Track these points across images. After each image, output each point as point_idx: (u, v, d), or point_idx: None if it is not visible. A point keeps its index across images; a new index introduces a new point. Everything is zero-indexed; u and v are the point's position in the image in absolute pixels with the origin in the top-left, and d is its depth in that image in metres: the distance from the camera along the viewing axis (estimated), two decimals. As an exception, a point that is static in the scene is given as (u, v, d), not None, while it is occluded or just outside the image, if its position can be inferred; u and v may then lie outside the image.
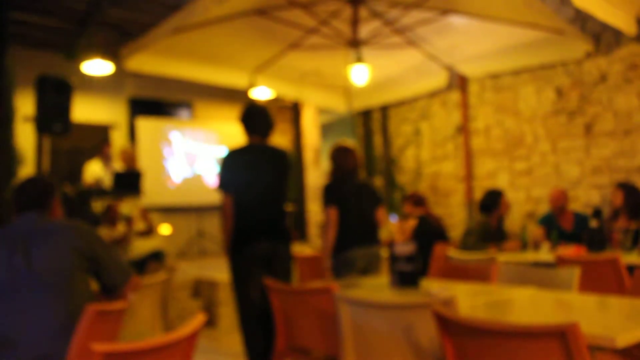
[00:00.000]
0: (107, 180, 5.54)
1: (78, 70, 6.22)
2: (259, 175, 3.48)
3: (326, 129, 9.33)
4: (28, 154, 6.24)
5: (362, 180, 3.95)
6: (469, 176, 7.10)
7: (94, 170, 5.81)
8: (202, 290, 5.72)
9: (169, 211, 7.76)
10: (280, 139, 8.65)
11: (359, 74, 5.09)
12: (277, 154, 3.60)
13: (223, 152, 3.59)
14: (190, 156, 8.38)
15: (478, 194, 5.79)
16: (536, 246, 4.56)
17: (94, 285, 2.32)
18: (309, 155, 8.80)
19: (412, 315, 2.04)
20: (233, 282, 3.42)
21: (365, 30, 4.91)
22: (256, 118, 3.58)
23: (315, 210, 8.52)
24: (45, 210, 2.29)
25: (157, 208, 7.18)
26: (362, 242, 3.69)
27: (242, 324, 3.38)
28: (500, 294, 2.55)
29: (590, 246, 4.03)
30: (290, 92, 6.27)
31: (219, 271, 5.29)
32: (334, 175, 3.81)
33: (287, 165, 3.62)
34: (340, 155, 3.82)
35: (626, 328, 1.74)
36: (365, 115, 8.73)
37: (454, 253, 4.19)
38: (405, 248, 2.73)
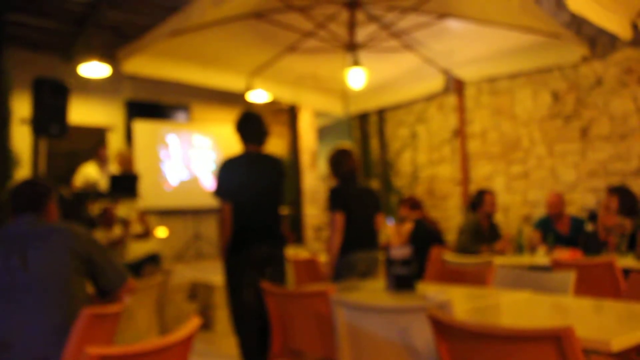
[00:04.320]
0: (104, 183, 5.53)
1: (75, 73, 6.22)
2: (255, 182, 3.54)
3: (323, 132, 9.33)
4: (24, 156, 6.23)
5: (364, 184, 3.98)
6: (465, 180, 7.11)
7: (88, 173, 5.80)
8: (198, 293, 5.71)
9: (166, 214, 7.75)
10: (277, 142, 8.66)
11: (356, 78, 5.10)
12: (273, 162, 3.67)
13: (219, 159, 3.62)
14: (187, 159, 8.37)
15: (474, 198, 5.82)
16: (532, 250, 4.57)
17: (90, 288, 2.32)
18: (305, 158, 8.80)
19: (407, 318, 2.04)
20: (227, 285, 3.43)
21: (362, 33, 4.92)
22: (252, 126, 3.64)
23: (311, 214, 8.52)
24: (41, 212, 2.28)
25: (154, 211, 7.16)
26: (364, 246, 3.69)
27: (237, 327, 3.38)
28: (496, 298, 2.55)
29: (586, 250, 4.04)
30: (287, 95, 6.26)
31: (216, 274, 5.28)
32: (338, 179, 3.80)
33: (282, 173, 3.70)
34: (340, 159, 3.82)
35: (621, 332, 1.74)
36: (362, 118, 8.75)
37: (450, 257, 4.19)
38: (401, 251, 2.74)
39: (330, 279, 3.61)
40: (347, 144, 4.02)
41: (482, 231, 4.83)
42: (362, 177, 4.10)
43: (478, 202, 4.94)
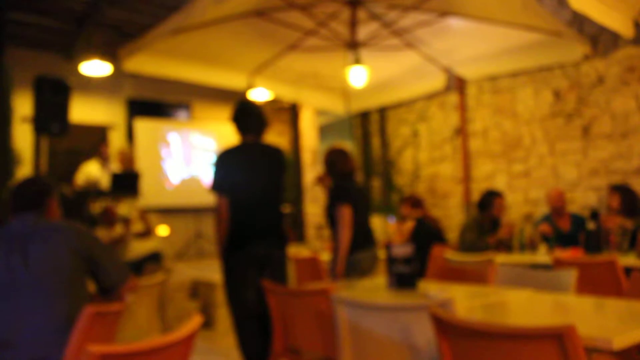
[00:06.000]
0: (105, 181, 5.53)
1: (76, 71, 6.22)
2: (254, 175, 3.43)
3: (324, 131, 9.34)
4: (26, 154, 6.23)
5: (359, 183, 3.98)
6: (466, 178, 7.11)
7: (90, 171, 5.80)
8: (199, 291, 5.71)
9: (167, 212, 7.74)
10: (278, 140, 8.65)
11: (357, 76, 5.10)
12: (272, 152, 3.54)
13: (216, 152, 3.53)
14: (188, 157, 8.37)
15: (476, 196, 5.80)
16: (534, 248, 4.57)
17: (91, 286, 2.32)
18: (306, 156, 8.80)
19: (409, 316, 2.04)
20: (226, 284, 3.37)
21: (364, 32, 4.92)
22: (249, 116, 3.50)
23: (312, 212, 8.52)
24: (42, 211, 2.28)
25: (155, 209, 7.16)
26: (365, 244, 3.67)
27: (237, 326, 3.35)
28: (497, 296, 2.55)
29: (588, 248, 4.03)
30: (288, 94, 6.27)
31: (217, 272, 5.27)
32: (335, 178, 3.78)
33: (283, 163, 3.57)
34: (340, 158, 3.80)
35: (623, 330, 1.74)
36: (363, 117, 8.74)
37: (451, 255, 4.19)
38: (403, 250, 2.74)
39: (338, 277, 3.53)
40: (342, 143, 4.00)
41: (485, 228, 4.82)
42: (359, 177, 4.10)
43: (487, 204, 4.88)
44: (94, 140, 6.69)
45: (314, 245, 7.78)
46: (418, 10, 4.58)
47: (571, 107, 6.02)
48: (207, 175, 8.26)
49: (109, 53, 5.91)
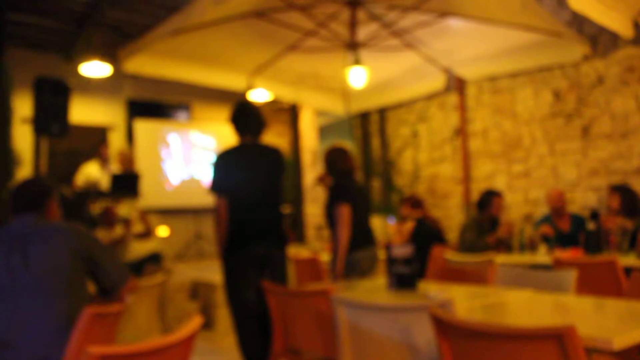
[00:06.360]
0: (105, 182, 5.54)
1: (76, 72, 6.22)
2: (252, 175, 3.44)
3: (324, 131, 9.33)
4: (26, 155, 6.23)
5: (359, 183, 3.98)
6: (466, 178, 7.11)
7: (89, 172, 5.80)
8: (199, 292, 5.71)
9: (167, 213, 7.75)
10: (278, 141, 8.66)
11: (357, 77, 5.09)
12: (270, 153, 3.56)
13: (214, 154, 3.55)
14: (188, 158, 8.38)
15: (476, 196, 5.80)
16: (532, 247, 4.57)
17: (91, 287, 2.32)
18: (306, 157, 8.80)
19: (409, 317, 2.04)
20: (227, 285, 3.38)
21: (363, 32, 4.92)
22: (247, 117, 3.51)
23: (312, 213, 8.52)
24: (42, 212, 2.28)
25: (155, 210, 7.17)
26: (364, 243, 3.67)
27: (237, 326, 3.36)
28: (497, 297, 2.55)
29: (588, 248, 4.03)
30: (288, 95, 6.26)
31: (217, 273, 5.28)
32: (335, 177, 3.79)
33: (281, 164, 3.58)
34: (340, 157, 3.81)
35: (623, 330, 1.74)
36: (363, 117, 8.74)
37: (451, 255, 4.19)
38: (403, 250, 2.74)
39: (338, 276, 3.53)
40: (342, 142, 4.01)
41: (484, 227, 4.83)
42: (359, 177, 4.09)
43: (486, 203, 4.89)
44: (93, 141, 6.69)
45: (314, 245, 7.78)
46: (418, 10, 4.58)
47: (571, 107, 6.02)
48: (206, 176, 8.27)
49: (108, 54, 5.91)
